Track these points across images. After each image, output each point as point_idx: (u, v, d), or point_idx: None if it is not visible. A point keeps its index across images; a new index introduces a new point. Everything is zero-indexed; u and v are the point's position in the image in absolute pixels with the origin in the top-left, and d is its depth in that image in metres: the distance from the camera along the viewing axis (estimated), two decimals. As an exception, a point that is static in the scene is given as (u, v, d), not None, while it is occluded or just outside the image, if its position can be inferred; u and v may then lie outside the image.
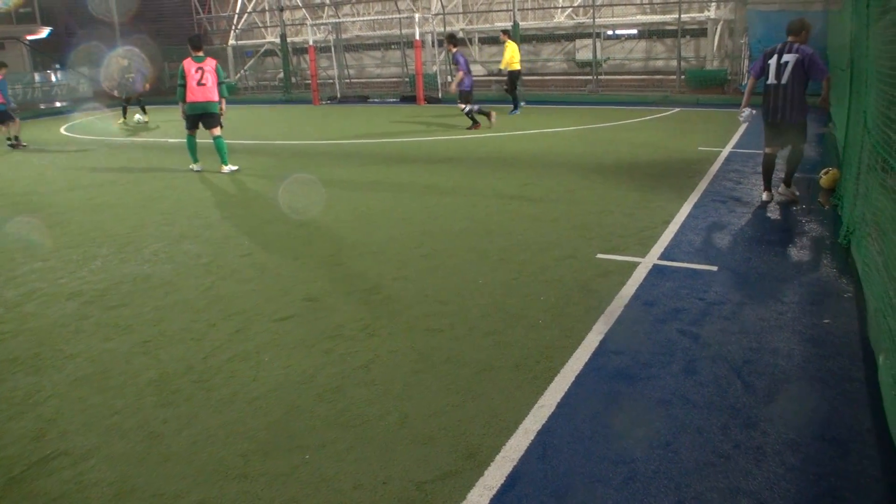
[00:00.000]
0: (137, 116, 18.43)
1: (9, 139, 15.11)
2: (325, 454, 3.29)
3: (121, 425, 3.66)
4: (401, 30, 23.73)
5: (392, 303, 5.04)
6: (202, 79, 10.30)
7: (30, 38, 29.18)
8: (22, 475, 3.32)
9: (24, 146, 15.09)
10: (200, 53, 10.41)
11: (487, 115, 14.18)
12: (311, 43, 22.45)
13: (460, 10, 24.50)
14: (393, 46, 25.70)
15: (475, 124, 13.88)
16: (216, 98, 10.44)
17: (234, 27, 28.94)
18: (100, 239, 7.21)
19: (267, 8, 28.55)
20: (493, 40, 23.62)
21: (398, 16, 23.94)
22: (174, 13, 29.37)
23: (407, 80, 23.38)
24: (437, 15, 23.79)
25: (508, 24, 20.44)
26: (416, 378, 3.95)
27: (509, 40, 16.34)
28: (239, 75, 28.41)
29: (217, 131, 10.54)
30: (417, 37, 20.32)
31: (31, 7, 29.27)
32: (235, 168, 10.73)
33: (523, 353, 4.18)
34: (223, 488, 3.09)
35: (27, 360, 4.51)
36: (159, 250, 6.64)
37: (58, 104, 25.47)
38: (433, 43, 23.57)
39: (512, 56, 16.11)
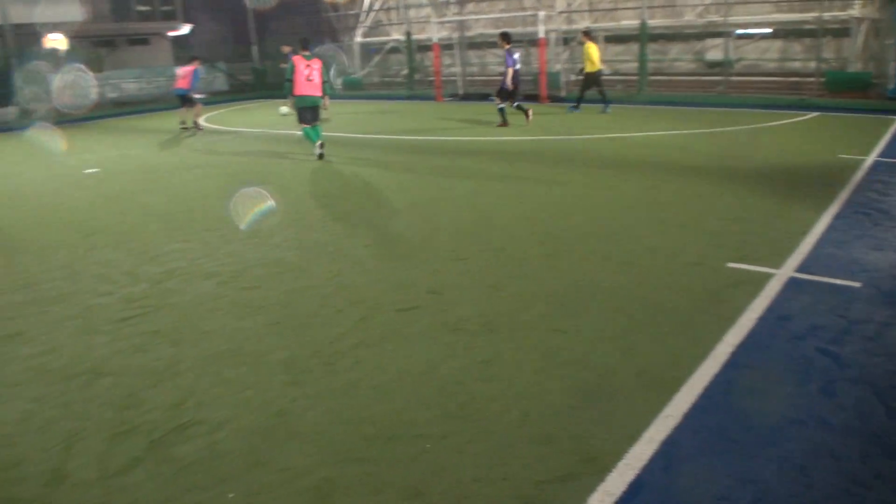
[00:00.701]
0: (283, 109, 18.92)
1: (183, 123, 16.83)
2: (446, 445, 3.32)
3: (252, 400, 3.83)
4: (524, 27, 23.63)
5: (514, 300, 5.03)
6: (310, 75, 11.27)
7: (171, 34, 30.93)
8: (161, 439, 3.53)
9: (201, 130, 16.55)
10: (308, 53, 11.43)
11: (525, 112, 14.65)
12: (435, 40, 22.71)
13: (586, 7, 24.17)
14: (515, 44, 25.67)
15: (503, 123, 14.43)
16: (321, 94, 11.41)
17: (360, 24, 29.66)
18: (234, 224, 7.56)
19: (393, 6, 29.11)
20: (619, 38, 23.18)
21: (522, 13, 23.85)
22: (303, 11, 30.39)
23: (530, 78, 23.31)
24: (561, 13, 23.56)
25: (635, 22, 20.02)
26: (538, 377, 3.93)
27: (589, 41, 16.41)
28: (364, 71, 29.11)
29: (317, 123, 11.64)
30: (541, 34, 20.19)
31: (174, 5, 31.03)
32: (321, 146, 11.54)
33: (648, 361, 4.08)
34: (346, 468, 3.18)
35: (168, 332, 4.80)
36: (289, 237, 6.90)
37: (196, 96, 26.90)
38: (557, 41, 23.35)
39: (595, 56, 16.24)
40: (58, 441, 3.57)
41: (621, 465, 3.13)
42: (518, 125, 14.37)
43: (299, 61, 11.26)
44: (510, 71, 14.24)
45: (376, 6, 29.53)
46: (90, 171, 11.87)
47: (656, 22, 22.00)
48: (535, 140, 12.56)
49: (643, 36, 19.29)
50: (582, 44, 16.41)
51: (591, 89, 16.57)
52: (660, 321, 4.60)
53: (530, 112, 14.72)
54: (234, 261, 6.27)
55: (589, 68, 16.23)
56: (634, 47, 20.82)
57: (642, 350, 4.22)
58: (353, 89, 26.03)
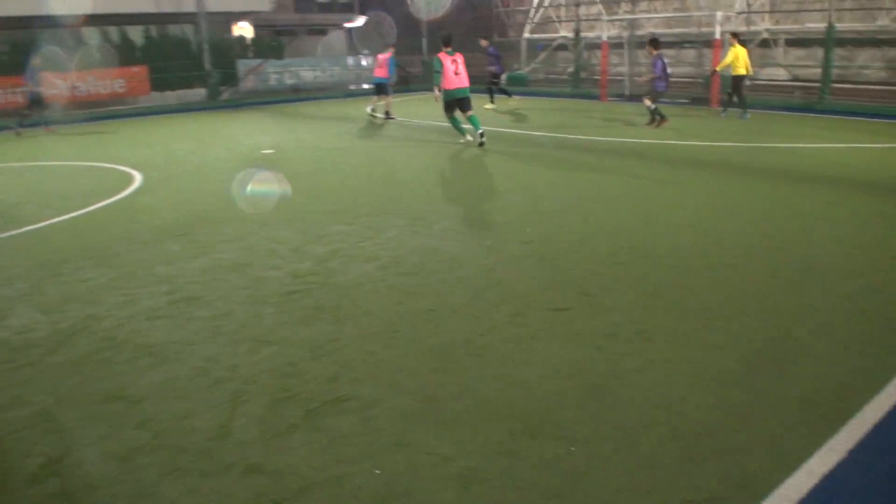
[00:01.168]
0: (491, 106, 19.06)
1: (373, 110, 17.40)
2: (590, 450, 3.28)
3: (403, 383, 3.96)
4: (699, 28, 22.73)
5: (671, 310, 4.88)
6: (457, 69, 11.94)
7: (347, 25, 32.29)
8: (317, 409, 3.72)
9: (393, 119, 16.91)
10: (450, 48, 12.00)
11: (662, 118, 14.38)
12: (604, 38, 22.32)
13: (767, 8, 22.89)
14: (686, 45, 24.71)
15: (662, 119, 14.33)
16: (469, 84, 12.10)
17: (529, 20, 29.65)
18: (395, 211, 7.83)
19: (563, 2, 28.87)
20: (800, 42, 21.80)
21: (698, 13, 22.95)
22: (475, 6, 30.76)
23: (701, 80, 22.40)
24: (740, 13, 22.45)
25: (821, 25, 18.73)
26: (690, 392, 3.79)
27: (738, 44, 15.93)
28: (530, 67, 29.09)
29: (471, 112, 12.12)
30: (717, 35, 19.34)
31: (352, -2, 32.42)
32: (482, 133, 12.05)
33: (811, 387, 3.83)
34: (490, 460, 3.22)
35: (330, 309, 5.04)
36: (447, 228, 7.04)
37: (365, 86, 27.94)
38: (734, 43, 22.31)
39: (736, 59, 15.69)
40: (225, 400, 3.85)
41: (776, 494, 2.97)
42: (672, 128, 13.87)
43: (445, 57, 11.91)
44: (660, 74, 14.22)
45: (546, 3, 29.42)
46: (266, 152, 12.65)
47: (844, 25, 20.47)
48: (702, 146, 12.07)
49: (829, 40, 18.00)
50: (732, 45, 15.90)
51: (735, 91, 16.05)
52: (828, 347, 4.31)
53: (666, 122, 14.40)
54: (393, 246, 6.49)
55: (735, 71, 15.76)
56: (818, 52, 19.50)
57: (805, 375, 3.97)
58: (518, 85, 26.07)
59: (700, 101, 18.87)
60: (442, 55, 11.99)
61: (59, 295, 5.63)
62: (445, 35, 12.39)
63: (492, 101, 18.99)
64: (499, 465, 3.19)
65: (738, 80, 15.87)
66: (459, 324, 4.73)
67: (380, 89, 17.10)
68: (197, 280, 5.82)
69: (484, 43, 18.99)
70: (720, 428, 3.44)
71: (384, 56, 16.85)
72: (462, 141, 12.52)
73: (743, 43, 16.38)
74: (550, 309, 4.93)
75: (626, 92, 22.33)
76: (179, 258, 6.43)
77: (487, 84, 18.97)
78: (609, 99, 21.41)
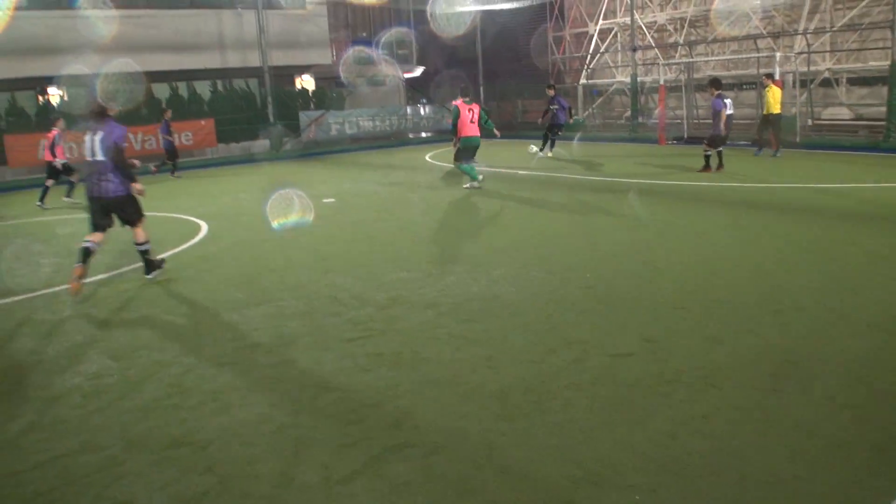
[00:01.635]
0: (533, 148, 18.97)
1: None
2: (656, 499, 3.21)
3: (465, 429, 3.95)
4: (758, 69, 22.51)
5: (736, 356, 4.77)
6: (472, 118, 12.73)
7: (406, 76, 33.01)
8: (379, 455, 3.74)
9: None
10: (468, 98, 12.99)
11: (719, 165, 14.15)
12: (661, 82, 22.30)
13: (827, 47, 22.56)
14: (745, 87, 24.46)
15: (708, 168, 14.12)
16: (479, 134, 13.00)
17: (586, 67, 29.84)
18: (455, 258, 7.89)
19: (619, 48, 29.00)
20: (863, 80, 21.39)
21: (756, 55, 22.75)
22: (529, 54, 31.13)
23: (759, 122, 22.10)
24: (800, 53, 22.17)
25: (883, 63, 18.33)
26: (759, 439, 3.68)
27: (773, 84, 16.52)
28: (587, 113, 29.18)
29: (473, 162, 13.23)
30: (777, 76, 19.11)
31: (409, 49, 33.15)
32: (478, 183, 13.09)
33: (888, 436, 3.68)
34: (553, 509, 3.18)
35: (390, 356, 5.08)
36: (506, 274, 7.05)
37: (423, 134, 28.40)
38: (794, 83, 21.98)
39: (773, 99, 16.35)
40: (288, 446, 3.90)
41: (854, 547, 2.85)
42: (731, 171, 13.67)
43: (462, 106, 12.76)
44: (722, 115, 14.06)
45: (602, 49, 29.59)
46: (328, 200, 12.93)
47: (912, 64, 20.00)
48: (762, 188, 11.86)
49: (893, 77, 17.62)
50: (766, 87, 16.60)
51: (768, 130, 16.71)
52: (907, 394, 4.14)
53: (722, 168, 14.18)
54: (453, 293, 6.52)
55: (768, 110, 16.46)
56: (881, 90, 19.09)
57: (881, 423, 3.81)
58: (574, 131, 26.15)
59: (760, 142, 18.59)
60: (460, 104, 12.86)
61: (129, 341, 5.81)
62: (464, 88, 13.57)
63: (549, 150, 18.77)
64: (562, 514, 3.14)
65: (775, 118, 16.54)
66: (519, 370, 4.70)
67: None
68: (260, 327, 5.94)
69: (551, 92, 18.85)
70: (791, 477, 3.33)
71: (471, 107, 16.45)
72: (473, 185, 13.20)
73: (777, 83, 17.00)
74: (611, 354, 4.87)
75: (685, 135, 22.17)
76: (244, 305, 6.58)
77: (548, 133, 18.75)
78: (668, 142, 21.27)
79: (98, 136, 7.20)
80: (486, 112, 13.48)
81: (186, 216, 12.21)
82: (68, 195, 14.70)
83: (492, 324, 5.64)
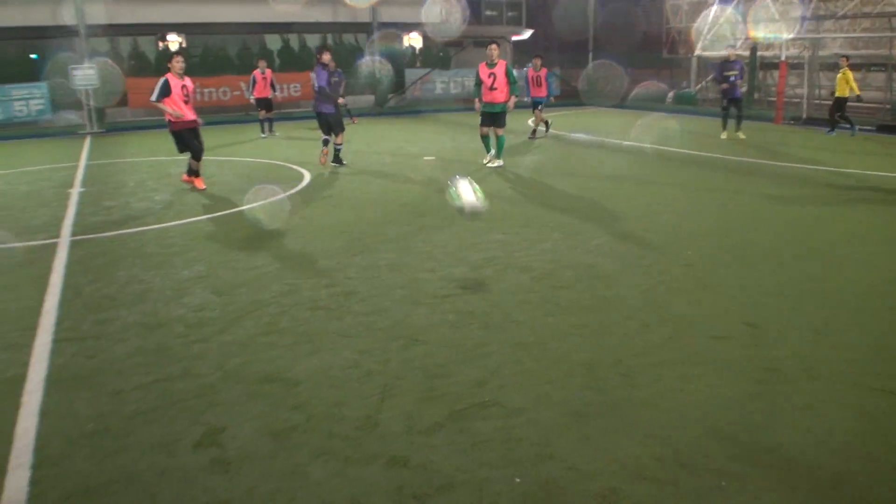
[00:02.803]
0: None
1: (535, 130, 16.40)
2: (743, 487, 3.10)
3: (550, 395, 3.92)
4: (890, 50, 21.05)
5: (842, 349, 4.52)
6: (494, 83, 11.39)
7: (514, 38, 32.54)
8: (462, 412, 3.76)
9: (537, 137, 16.21)
10: (492, 61, 11.51)
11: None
12: (783, 58, 21.17)
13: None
14: (874, 68, 22.92)
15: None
16: (502, 101, 11.53)
17: (702, 37, 28.64)
18: (552, 224, 7.79)
19: (739, 20, 27.66)
20: None
21: (889, 34, 21.25)
22: (643, 22, 30.11)
23: (888, 106, 20.71)
24: (941, 37, 20.59)
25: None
26: (860, 438, 3.50)
27: (847, 67, 16.12)
28: (699, 86, 28.09)
29: (501, 132, 11.71)
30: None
31: (519, 11, 32.62)
32: (492, 158, 11.90)
33: None
34: (634, 484, 3.12)
35: (481, 315, 5.09)
36: (604, 244, 6.92)
37: (526, 98, 28.03)
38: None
39: (846, 82, 16.04)
40: (375, 392, 3.98)
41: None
42: (850, 151, 12.87)
43: (483, 70, 11.53)
44: None
45: (721, 19, 28.30)
46: (428, 158, 12.99)
47: None
48: (885, 176, 11.13)
49: None
50: (843, 69, 16.16)
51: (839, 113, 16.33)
52: None
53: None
54: (548, 259, 6.45)
55: (841, 93, 16.16)
56: None
57: None
58: (685, 104, 25.26)
59: (887, 128, 17.46)
60: (480, 67, 11.65)
61: (231, 279, 6.04)
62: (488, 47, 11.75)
63: (736, 129, 15.73)
64: (642, 490, 3.08)
65: (843, 101, 16.21)
66: (611, 342, 4.62)
67: (535, 106, 16.13)
68: (356, 276, 6.05)
69: (731, 56, 15.98)
70: (890, 479, 3.15)
71: (539, 73, 15.72)
72: (492, 161, 11.95)
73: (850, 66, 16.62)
74: (709, 336, 4.71)
75: (804, 115, 21.06)
76: (341, 254, 6.71)
77: (730, 108, 15.83)
78: (784, 122, 20.26)
79: (319, 75, 11.46)
80: (514, 77, 11.49)
81: (292, 165, 12.52)
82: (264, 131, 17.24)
83: (585, 293, 5.55)
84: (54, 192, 10.34)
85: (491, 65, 11.45)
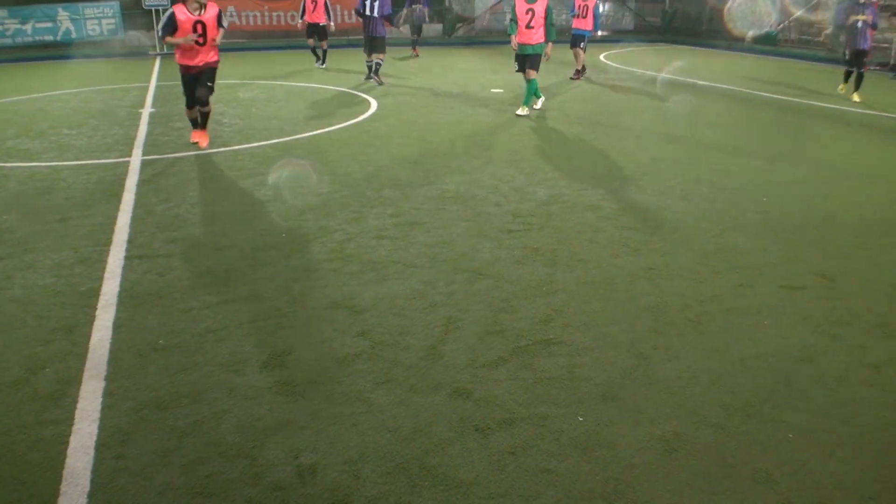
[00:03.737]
0: None
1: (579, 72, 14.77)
2: (811, 441, 3.04)
3: (615, 336, 3.87)
4: None
5: (923, 306, 4.35)
6: (531, 21, 9.80)
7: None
8: (526, 347, 3.75)
9: (580, 77, 14.82)
10: None
11: None
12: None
13: None
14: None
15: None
16: (540, 41, 9.98)
17: (790, -27, 27.16)
18: (621, 163, 7.60)
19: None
20: None
21: None
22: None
23: None
24: None
25: None
26: (939, 399, 3.38)
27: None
28: (781, 26, 26.77)
29: (533, 75, 10.21)
30: None
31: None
32: (527, 112, 10.48)
33: None
34: (698, 430, 3.08)
35: (547, 252, 5.03)
36: (675, 186, 6.73)
37: (599, 33, 27.13)
38: None
39: None
40: (439, 323, 3.99)
41: None
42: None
43: (520, 4, 9.88)
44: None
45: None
46: (496, 91, 12.75)
47: None
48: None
49: None
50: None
51: None
52: None
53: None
54: (616, 199, 6.32)
55: None
56: None
57: None
58: (765, 44, 24.12)
59: None
60: (518, 1, 9.94)
61: (298, 204, 6.09)
62: None
63: (854, 88, 12.47)
64: (707, 437, 3.04)
65: None
66: (680, 286, 4.52)
67: (577, 42, 14.29)
68: (421, 207, 6.03)
69: None
70: (972, 446, 3.04)
71: (586, 2, 13.99)
72: (528, 109, 10.58)
73: None
74: (782, 286, 4.57)
75: (893, 61, 19.92)
76: (407, 184, 6.69)
77: (855, 61, 12.39)
78: (870, 68, 19.21)
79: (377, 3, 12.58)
80: (551, 15, 9.86)
81: (359, 93, 12.45)
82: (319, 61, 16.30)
83: (655, 235, 5.43)
84: (126, 112, 10.52)
85: (530, 0, 9.87)
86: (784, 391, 3.40)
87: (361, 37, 13.65)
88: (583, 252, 5.05)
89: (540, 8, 9.79)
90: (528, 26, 9.84)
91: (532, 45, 9.99)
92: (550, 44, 10.04)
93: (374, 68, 13.26)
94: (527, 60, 10.10)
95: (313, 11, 15.49)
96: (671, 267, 4.83)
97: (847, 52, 12.51)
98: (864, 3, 11.91)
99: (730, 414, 3.21)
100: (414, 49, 19.22)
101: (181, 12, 7.47)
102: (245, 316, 4.08)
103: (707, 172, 7.26)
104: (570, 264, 4.83)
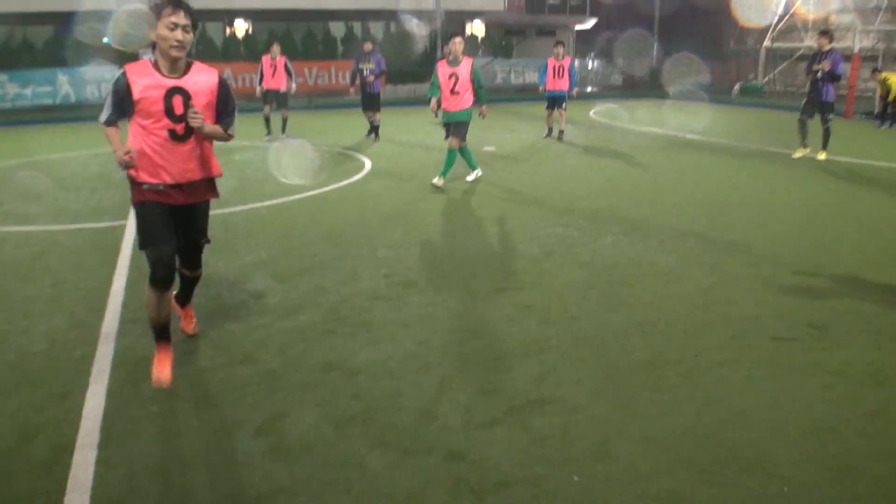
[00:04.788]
0: None
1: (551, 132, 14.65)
2: (807, 493, 3.03)
3: (610, 392, 3.89)
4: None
5: (914, 355, 4.37)
6: (455, 87, 9.04)
7: (577, 27, 32.17)
8: (520, 407, 3.76)
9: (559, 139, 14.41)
10: (452, 58, 9.22)
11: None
12: (856, 51, 20.46)
13: None
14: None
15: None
16: (464, 108, 9.23)
17: (771, 29, 27.84)
18: (612, 218, 7.70)
19: (810, 10, 26.80)
20: None
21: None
22: (711, 12, 29.42)
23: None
24: None
25: None
26: (933, 450, 3.38)
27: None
28: (767, 79, 27.35)
29: (458, 145, 9.40)
30: None
31: (583, 0, 32.26)
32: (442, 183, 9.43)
33: None
34: (694, 486, 3.08)
35: (540, 310, 5.07)
36: (666, 241, 6.80)
37: (589, 89, 27.69)
38: None
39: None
40: (433, 384, 4.00)
41: None
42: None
43: (441, 69, 9.23)
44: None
45: (792, 9, 27.46)
46: (488, 149, 12.95)
47: None
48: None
49: None
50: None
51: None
52: None
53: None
54: (608, 254, 6.38)
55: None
56: None
57: None
58: (751, 97, 24.62)
59: None
60: (439, 65, 9.32)
61: (292, 267, 6.13)
62: (447, 44, 9.60)
63: (822, 146, 11.78)
64: (703, 493, 3.03)
65: None
66: (672, 341, 4.55)
67: (558, 103, 14.06)
68: (414, 266, 6.08)
69: (825, 43, 11.28)
70: (967, 495, 3.04)
71: (561, 62, 13.83)
72: (473, 175, 9.96)
73: None
74: (772, 337, 4.60)
75: (877, 110, 20.33)
76: (400, 244, 6.75)
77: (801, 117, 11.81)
78: (857, 116, 19.59)
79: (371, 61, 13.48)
80: (479, 77, 9.11)
81: (352, 152, 12.64)
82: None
83: (646, 290, 5.48)
84: (122, 175, 10.60)
85: (453, 63, 9.07)
86: (778, 444, 3.39)
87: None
88: (576, 309, 5.07)
89: (464, 71, 8.94)
90: (453, 91, 9.00)
91: (456, 111, 9.15)
92: (485, 106, 9.35)
93: (376, 128, 14.16)
94: (454, 128, 9.22)
95: (272, 76, 13.84)
96: (663, 320, 4.85)
97: (805, 105, 11.73)
98: (824, 52, 11.19)
99: (724, 467, 3.21)
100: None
101: (141, 72, 3.89)
102: (239, 380, 4.08)
103: (695, 226, 7.34)
104: (562, 321, 4.85)
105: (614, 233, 7.07)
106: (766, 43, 27.81)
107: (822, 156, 11.67)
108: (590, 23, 32.03)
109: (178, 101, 3.88)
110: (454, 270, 5.97)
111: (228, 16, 23.67)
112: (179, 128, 3.94)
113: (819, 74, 11.23)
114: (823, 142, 11.68)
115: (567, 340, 4.55)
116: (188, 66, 3.95)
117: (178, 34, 3.76)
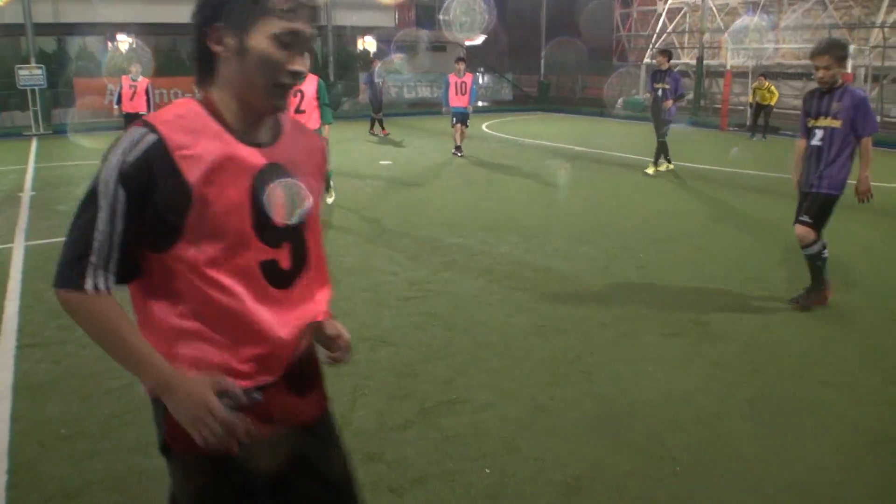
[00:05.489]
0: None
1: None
2: (697, 473, 3.32)
3: (514, 391, 4.11)
4: (831, 61, 21.94)
5: (781, 346, 4.81)
6: (300, 104, 8.05)
7: (468, 43, 32.86)
8: (431, 409, 3.92)
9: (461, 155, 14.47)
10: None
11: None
12: (728, 67, 21.89)
13: (908, 44, 21.85)
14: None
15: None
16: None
17: (651, 46, 29.36)
18: (510, 228, 8.00)
19: (687, 29, 28.46)
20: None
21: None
22: (596, 28, 30.77)
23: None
24: (875, 48, 21.53)
25: None
26: (800, 428, 3.75)
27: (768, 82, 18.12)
28: (647, 94, 28.77)
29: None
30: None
31: (472, 17, 32.99)
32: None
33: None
34: (596, 471, 3.32)
35: (445, 317, 5.26)
36: (560, 248, 7.16)
37: (480, 104, 28.32)
38: (866, 77, 21.40)
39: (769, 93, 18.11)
40: (346, 392, 4.10)
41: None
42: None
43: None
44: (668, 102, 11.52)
45: (669, 28, 29.06)
46: (384, 163, 13.12)
47: None
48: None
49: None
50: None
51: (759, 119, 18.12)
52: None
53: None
54: (506, 262, 6.66)
55: (766, 101, 18.02)
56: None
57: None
58: (634, 110, 25.84)
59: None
60: (451, 76, 13.13)
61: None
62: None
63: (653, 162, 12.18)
64: (604, 477, 3.28)
65: (768, 108, 18.06)
66: (570, 341, 4.83)
67: (462, 119, 13.88)
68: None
69: (663, 62, 11.93)
70: (831, 466, 3.40)
71: (463, 79, 13.61)
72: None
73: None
74: (661, 334, 4.96)
75: (749, 122, 21.80)
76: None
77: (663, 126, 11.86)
78: (730, 128, 20.93)
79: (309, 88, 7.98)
80: (326, 91, 8.37)
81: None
82: None
83: (544, 295, 5.77)
84: (4, 196, 10.18)
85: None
86: (670, 431, 3.69)
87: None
88: (478, 315, 5.30)
89: (310, 88, 8.06)
90: (298, 110, 7.99)
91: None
92: (327, 127, 8.30)
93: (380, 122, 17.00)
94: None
95: (131, 99, 12.48)
96: (561, 323, 5.15)
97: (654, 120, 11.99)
98: (664, 71, 11.57)
99: (622, 455, 3.47)
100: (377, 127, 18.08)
101: (195, 131, 1.57)
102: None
103: (587, 234, 7.75)
104: (467, 327, 5.06)
105: (511, 242, 7.37)
106: (646, 60, 29.27)
107: (650, 170, 11.91)
108: (479, 39, 32.79)
109: (278, 197, 1.68)
110: (359, 281, 6.08)
111: (111, 29, 22.87)
112: (284, 257, 1.73)
113: (660, 93, 11.55)
114: (655, 157, 11.94)
115: (472, 345, 4.75)
116: (278, 121, 1.76)
117: (297, 63, 1.61)
